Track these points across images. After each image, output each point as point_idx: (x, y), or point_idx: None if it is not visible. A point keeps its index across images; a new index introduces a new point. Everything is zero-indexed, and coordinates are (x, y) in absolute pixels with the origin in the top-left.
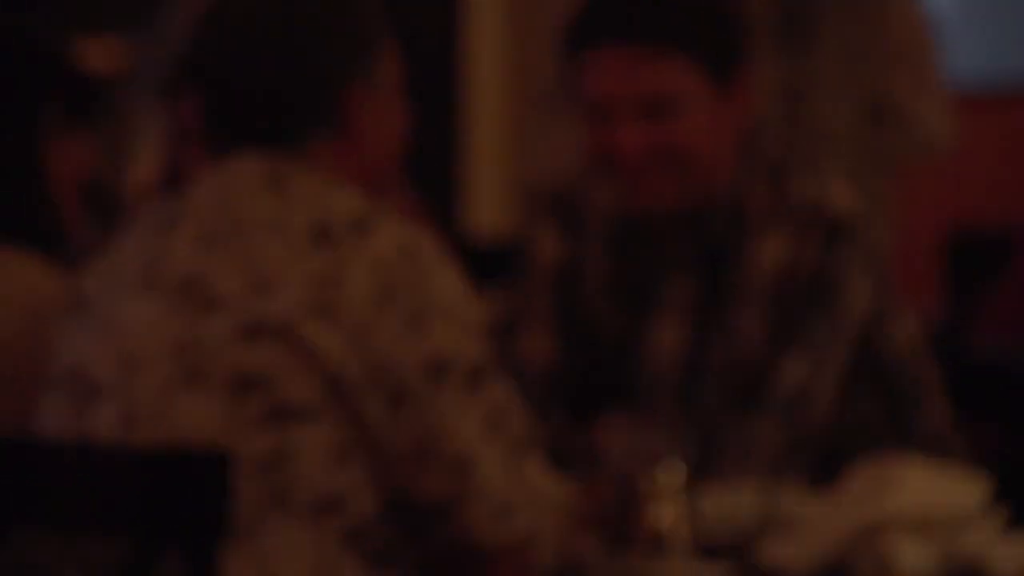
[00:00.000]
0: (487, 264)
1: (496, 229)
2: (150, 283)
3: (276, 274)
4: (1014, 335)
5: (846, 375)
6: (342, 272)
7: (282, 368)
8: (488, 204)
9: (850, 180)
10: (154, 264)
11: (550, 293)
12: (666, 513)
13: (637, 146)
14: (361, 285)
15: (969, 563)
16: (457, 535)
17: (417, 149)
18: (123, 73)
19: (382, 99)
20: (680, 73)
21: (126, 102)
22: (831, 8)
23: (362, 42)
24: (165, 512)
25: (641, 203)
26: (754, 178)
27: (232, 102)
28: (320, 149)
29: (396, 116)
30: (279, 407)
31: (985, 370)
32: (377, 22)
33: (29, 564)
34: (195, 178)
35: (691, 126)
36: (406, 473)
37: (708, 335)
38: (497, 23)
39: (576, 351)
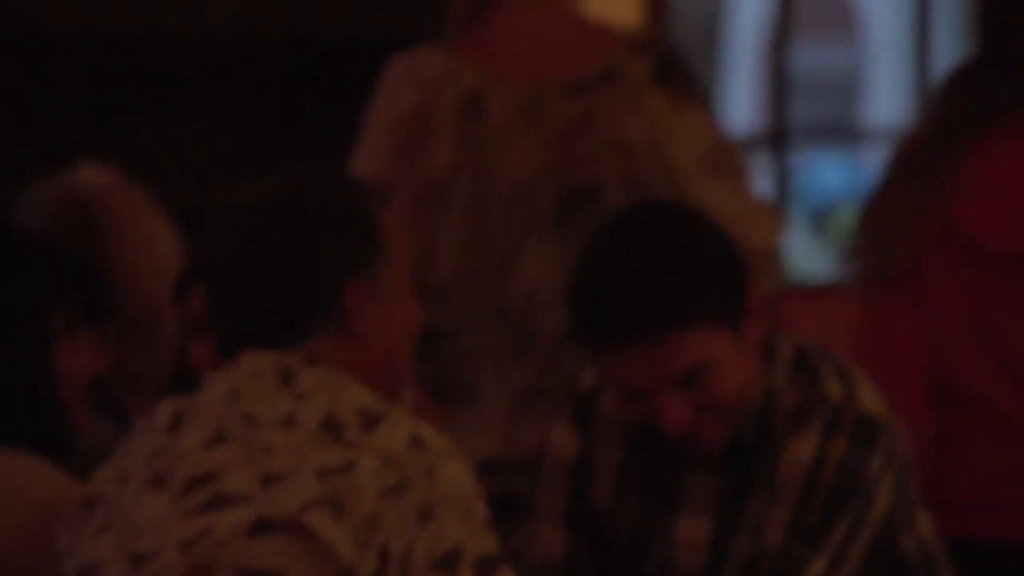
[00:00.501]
0: None
1: None
2: (159, 481)
3: (285, 469)
4: None
5: (863, 571)
6: (352, 465)
7: (291, 563)
8: None
9: None
10: (163, 462)
11: (565, 486)
12: None
13: (683, 419)
14: (371, 478)
15: None
16: None
17: None
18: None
19: (386, 300)
20: (704, 343)
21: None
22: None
23: (359, 246)
24: None
25: (691, 450)
26: (777, 376)
27: (234, 306)
28: (325, 348)
29: (403, 317)
30: None
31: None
32: (377, 226)
33: None
34: (205, 377)
35: (726, 378)
36: None
37: (732, 530)
38: None
39: (590, 545)
